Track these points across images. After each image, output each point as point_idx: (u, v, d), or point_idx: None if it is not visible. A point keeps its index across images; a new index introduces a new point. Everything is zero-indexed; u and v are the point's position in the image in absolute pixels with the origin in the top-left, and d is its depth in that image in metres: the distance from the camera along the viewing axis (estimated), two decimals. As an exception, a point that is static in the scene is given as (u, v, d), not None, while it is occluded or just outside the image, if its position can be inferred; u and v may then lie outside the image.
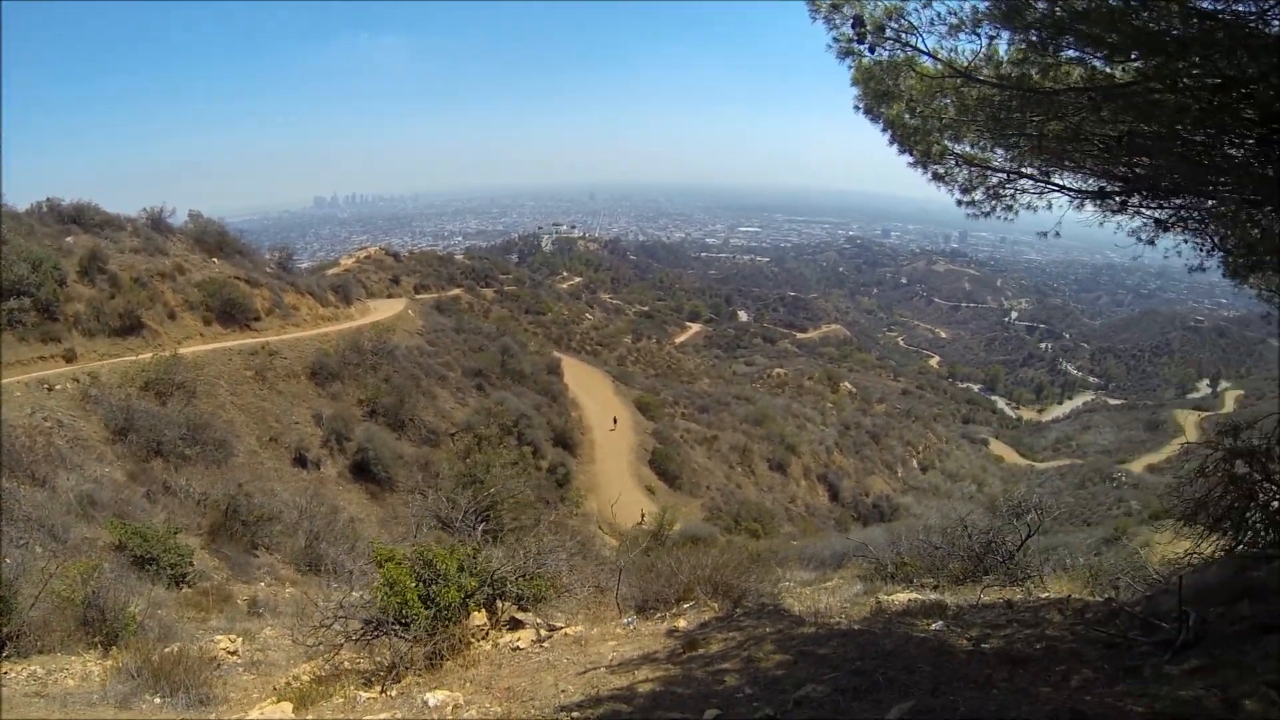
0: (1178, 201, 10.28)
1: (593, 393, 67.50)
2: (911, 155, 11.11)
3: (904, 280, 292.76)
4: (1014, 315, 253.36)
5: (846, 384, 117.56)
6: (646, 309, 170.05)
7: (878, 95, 10.43)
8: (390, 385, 43.43)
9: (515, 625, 10.66)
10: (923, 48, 9.36)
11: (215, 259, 43.73)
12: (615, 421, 62.48)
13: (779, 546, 33.74)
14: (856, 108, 10.75)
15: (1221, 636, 7.31)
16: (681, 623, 10.24)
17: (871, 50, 9.61)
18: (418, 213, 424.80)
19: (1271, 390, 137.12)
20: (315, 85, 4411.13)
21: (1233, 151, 9.19)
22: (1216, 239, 10.51)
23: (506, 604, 10.91)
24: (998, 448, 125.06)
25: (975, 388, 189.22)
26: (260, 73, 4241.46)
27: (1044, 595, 13.14)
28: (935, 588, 14.66)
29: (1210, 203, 10.11)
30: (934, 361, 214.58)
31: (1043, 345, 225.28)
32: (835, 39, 9.59)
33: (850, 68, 10.08)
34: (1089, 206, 10.81)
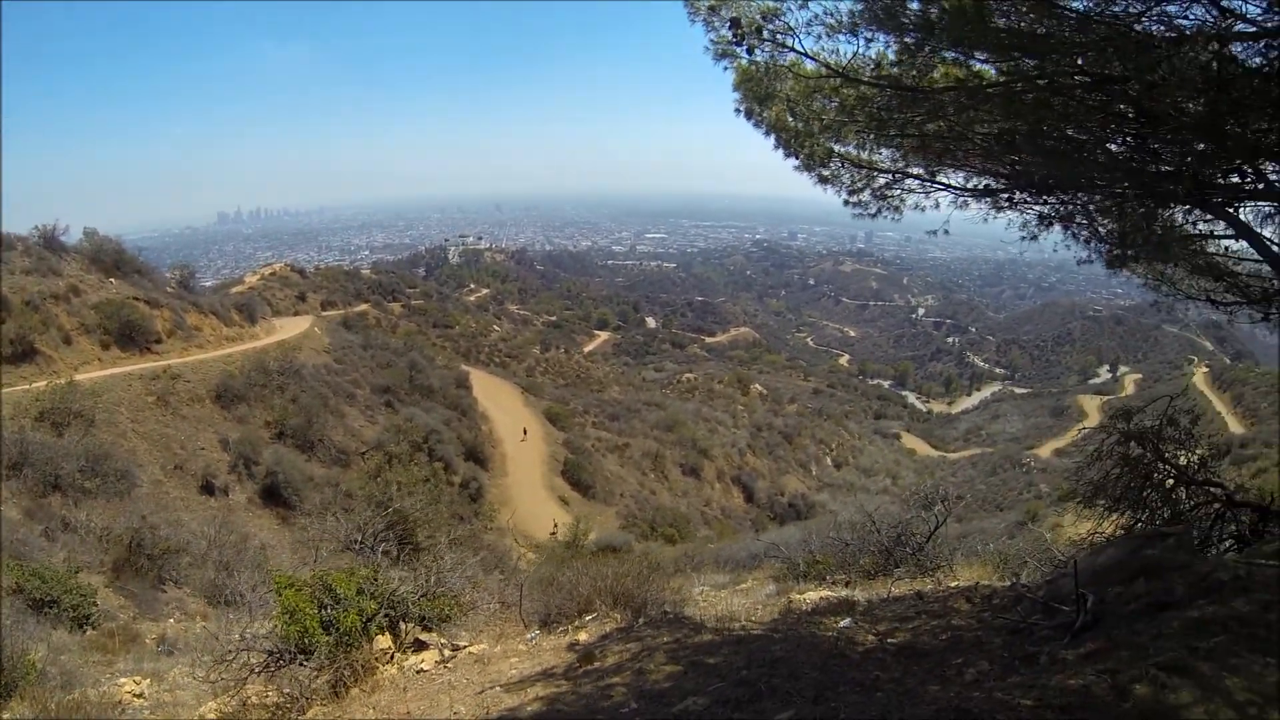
0: (1063, 197, 10.45)
1: (502, 405, 66.81)
2: (796, 158, 11.15)
3: (811, 281, 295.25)
4: (921, 312, 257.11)
5: (757, 386, 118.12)
6: (554, 319, 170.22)
7: (757, 98, 10.47)
8: (298, 405, 42.47)
9: (420, 646, 10.45)
10: (800, 49, 9.38)
11: (113, 279, 42.23)
12: (525, 433, 61.94)
13: (695, 550, 33.86)
14: (738, 111, 10.79)
15: (1119, 616, 7.42)
16: (583, 635, 10.16)
17: (749, 52, 9.62)
18: (324, 227, 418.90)
19: (1167, 372, 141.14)
20: (219, 95, 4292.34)
21: (1113, 147, 9.41)
22: (1098, 232, 10.74)
23: (410, 625, 10.70)
24: (910, 441, 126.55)
25: (885, 384, 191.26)
26: (160, 81, 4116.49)
27: (954, 584, 13.26)
28: (847, 584, 14.80)
29: (1086, 197, 10.29)
30: (844, 360, 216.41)
31: (950, 340, 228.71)
32: (713, 41, 9.62)
33: (726, 70, 10.11)
34: (973, 204, 10.99)
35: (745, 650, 7.97)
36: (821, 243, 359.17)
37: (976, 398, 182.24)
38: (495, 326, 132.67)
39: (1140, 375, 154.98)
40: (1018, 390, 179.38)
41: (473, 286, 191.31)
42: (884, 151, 11.14)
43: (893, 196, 11.48)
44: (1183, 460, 11.58)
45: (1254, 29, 7.56)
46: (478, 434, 56.69)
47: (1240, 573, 7.27)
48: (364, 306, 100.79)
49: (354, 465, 41.88)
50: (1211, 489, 11.77)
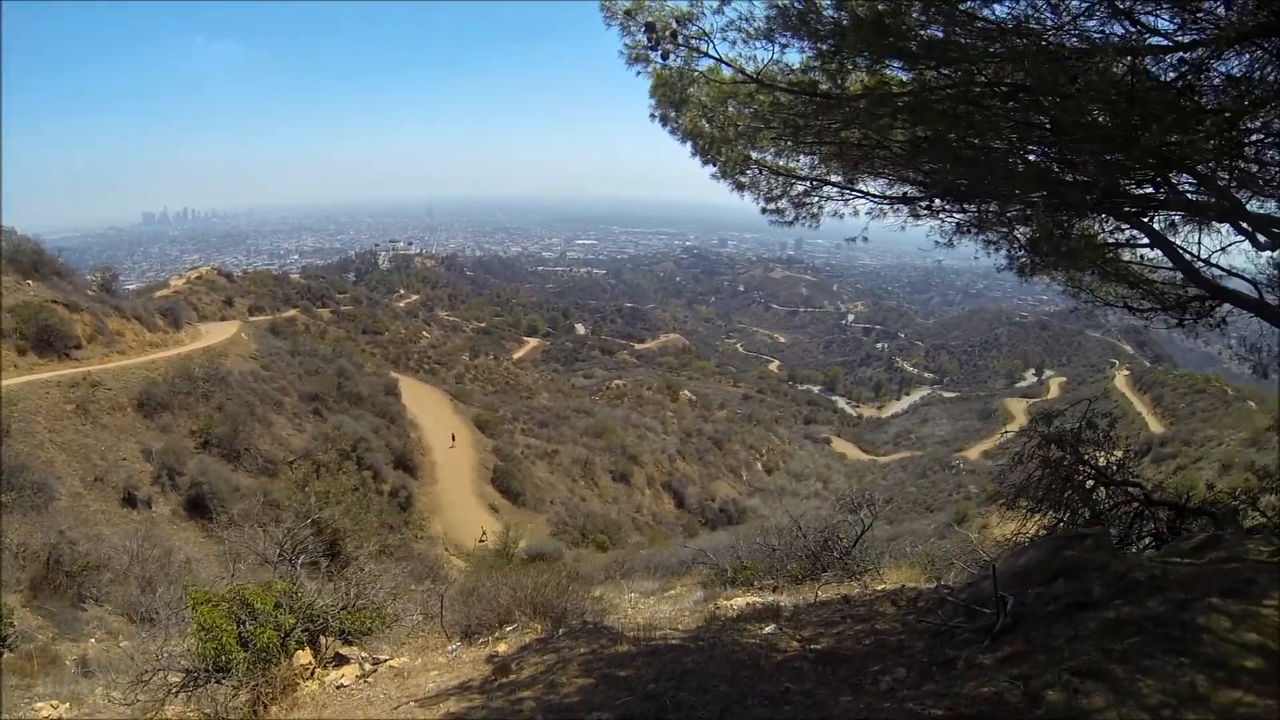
0: (980, 205, 10.54)
1: (431, 412, 66.39)
2: (714, 165, 11.09)
3: (741, 288, 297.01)
4: (850, 318, 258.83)
5: (686, 392, 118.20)
6: (484, 325, 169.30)
7: (672, 103, 10.42)
8: (224, 414, 41.50)
9: (341, 661, 10.32)
10: (715, 54, 9.36)
11: (30, 281, 40.67)
12: (454, 439, 61.60)
13: (626, 557, 33.78)
14: (653, 116, 10.71)
15: (1038, 617, 7.48)
16: (502, 647, 10.10)
17: (664, 58, 9.58)
18: (253, 230, 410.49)
19: (1090, 375, 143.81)
20: (146, 91, 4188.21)
21: (1032, 157, 9.49)
22: (1015, 240, 10.84)
23: (331, 640, 10.55)
24: (840, 445, 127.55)
25: (815, 389, 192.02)
26: (84, 76, 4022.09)
27: (880, 587, 13.36)
28: (775, 589, 14.93)
29: (1002, 205, 10.33)
30: (774, 366, 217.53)
31: (879, 345, 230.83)
32: (627, 45, 9.57)
33: (639, 75, 10.01)
34: (891, 212, 11.04)
35: (658, 662, 7.91)
36: (752, 250, 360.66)
37: (906, 402, 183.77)
38: (425, 333, 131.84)
39: (1064, 378, 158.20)
40: (946, 394, 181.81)
41: (403, 292, 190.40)
42: (802, 159, 11.12)
43: (811, 204, 11.45)
44: (1102, 461, 11.75)
45: (1167, 43, 7.65)
46: (407, 442, 56.15)
47: (1156, 572, 7.40)
48: (292, 312, 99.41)
49: (282, 475, 41.04)
50: (1130, 489, 11.97)
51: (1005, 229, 10.68)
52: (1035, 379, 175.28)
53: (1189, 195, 9.36)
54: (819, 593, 13.43)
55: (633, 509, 66.48)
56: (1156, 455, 65.58)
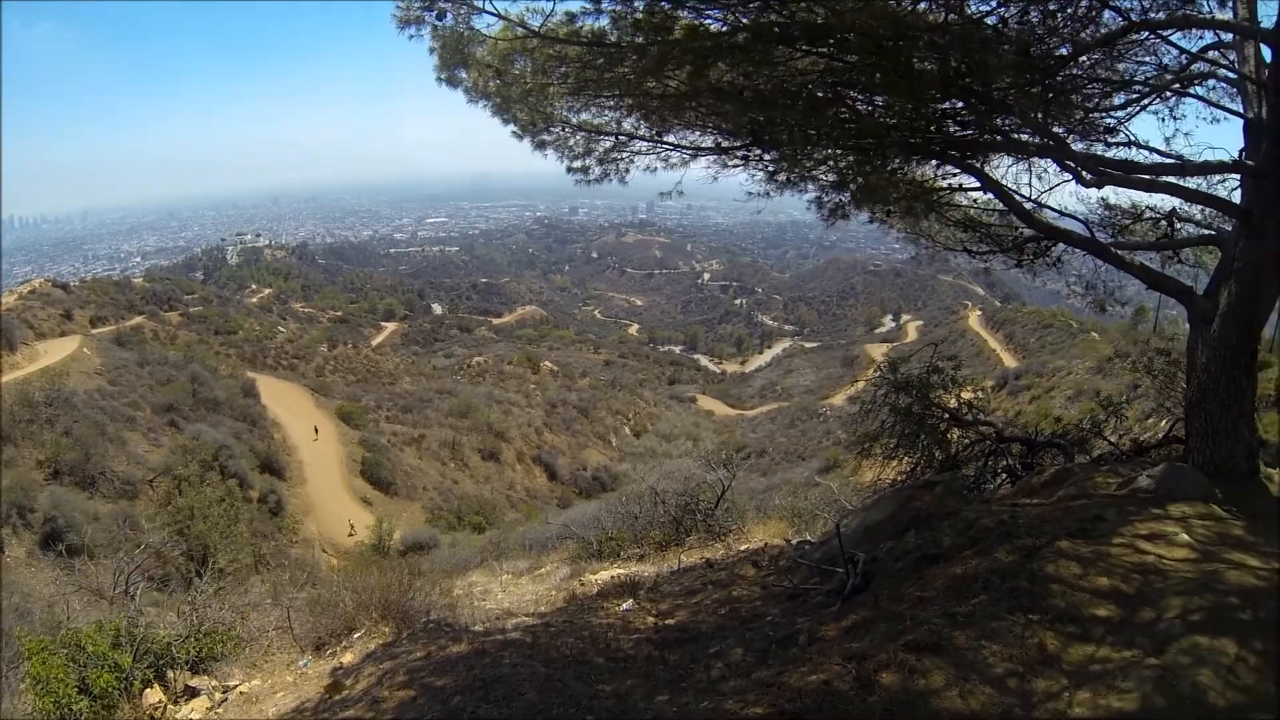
0: (796, 152, 10.22)
1: (294, 410, 64.66)
2: (515, 125, 10.77)
3: (595, 255, 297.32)
4: (707, 277, 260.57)
5: (547, 363, 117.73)
6: (340, 314, 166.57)
7: (455, 63, 9.99)
8: (72, 438, 39.08)
9: (192, 693, 9.85)
10: (494, 10, 8.87)
11: None
12: (317, 431, 60.55)
13: (501, 537, 33.62)
14: (439, 80, 10.23)
15: (889, 574, 7.63)
16: (348, 657, 9.77)
17: (440, 17, 9.13)
18: (88, 234, 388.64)
19: (944, 318, 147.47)
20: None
21: (862, 106, 9.47)
22: (826, 186, 10.79)
23: (179, 672, 10.04)
24: (706, 403, 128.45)
25: (677, 349, 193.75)
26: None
27: (743, 548, 13.67)
28: (641, 558, 15.11)
29: (816, 151, 10.18)
30: (633, 329, 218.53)
31: (737, 301, 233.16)
32: (400, 7, 8.98)
33: (412, 39, 9.32)
34: (704, 162, 10.85)
35: (479, 665, 7.64)
36: (603, 216, 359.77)
37: (768, 355, 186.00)
38: (280, 328, 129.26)
39: (921, 322, 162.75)
40: (808, 345, 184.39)
41: (254, 287, 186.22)
42: (607, 114, 10.77)
43: (620, 160, 11.17)
44: (953, 403, 12.06)
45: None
46: (271, 444, 54.67)
47: (1005, 517, 7.54)
48: (138, 319, 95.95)
49: (143, 495, 39.28)
50: (982, 428, 12.31)
51: (819, 177, 10.66)
52: (893, 324, 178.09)
53: (1014, 136, 9.56)
54: (683, 558, 13.69)
55: (505, 486, 66.36)
56: (1013, 388, 69.49)
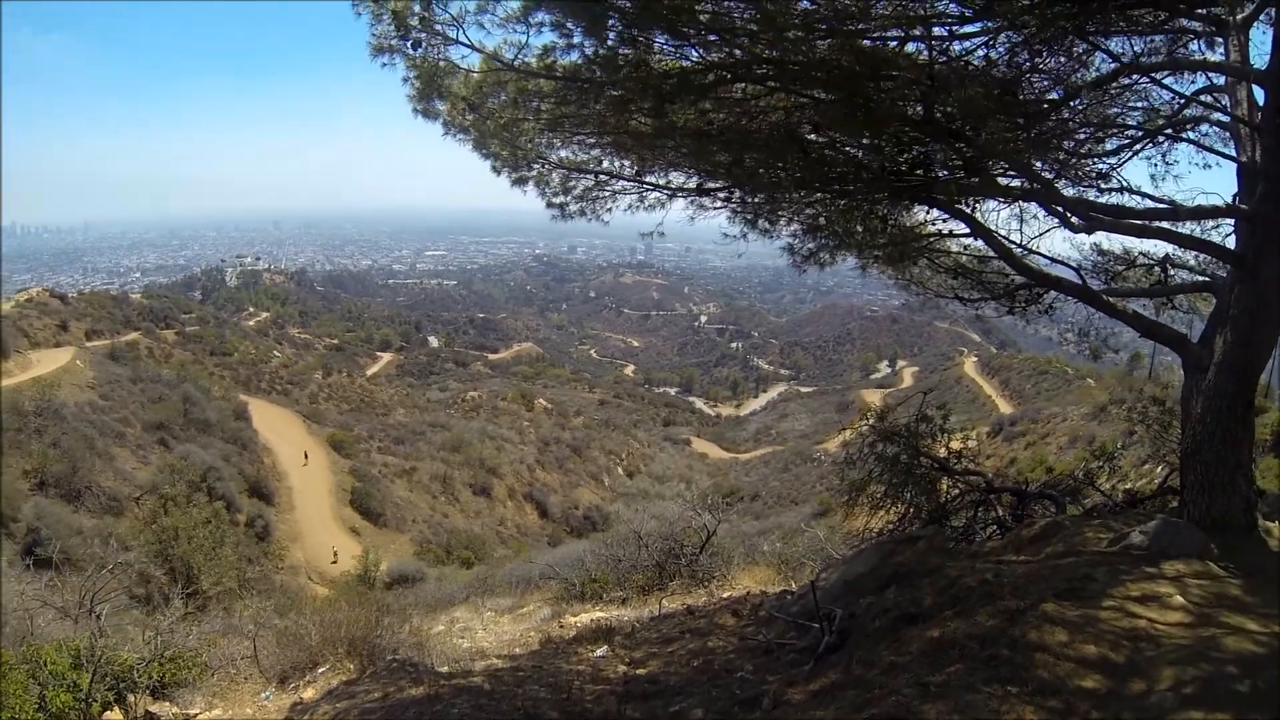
0: (775, 196, 10.24)
1: (285, 435, 64.27)
2: (493, 160, 10.55)
3: (593, 294, 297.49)
4: (703, 319, 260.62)
5: (541, 400, 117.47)
6: (336, 341, 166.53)
7: (431, 94, 9.69)
8: (60, 450, 38.91)
9: (152, 719, 9.61)
10: (468, 40, 8.74)
11: None
12: (306, 456, 60.34)
13: (488, 573, 33.40)
14: (415, 111, 9.95)
15: (865, 633, 7.33)
16: (309, 693, 9.61)
17: (415, 47, 8.93)
18: (89, 246, 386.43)
19: (940, 364, 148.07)
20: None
21: (852, 150, 9.33)
22: (811, 230, 10.73)
23: (141, 696, 9.73)
24: (701, 445, 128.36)
25: (672, 391, 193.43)
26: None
27: (726, 595, 13.49)
28: (624, 601, 15.03)
29: (798, 195, 10.09)
30: (629, 370, 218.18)
31: (734, 345, 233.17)
32: (375, 35, 8.80)
33: (385, 67, 9.10)
34: (681, 203, 10.66)
35: (429, 713, 7.49)
36: (602, 256, 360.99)
37: (764, 399, 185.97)
38: (276, 352, 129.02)
39: (917, 368, 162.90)
40: (803, 389, 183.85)
41: (252, 310, 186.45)
42: (587, 151, 10.61)
43: (602, 198, 10.99)
44: (941, 453, 11.91)
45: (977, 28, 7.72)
46: (261, 468, 54.26)
47: (989, 576, 7.26)
48: (134, 335, 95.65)
49: (128, 512, 38.91)
50: (971, 478, 12.13)
51: (794, 220, 10.62)
52: (889, 370, 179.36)
53: (1000, 181, 9.39)
54: (665, 604, 13.50)
55: (496, 522, 66.05)
56: (1008, 434, 69.57)
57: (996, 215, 10.30)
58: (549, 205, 10.99)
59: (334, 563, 45.01)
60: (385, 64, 9.06)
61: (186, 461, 45.67)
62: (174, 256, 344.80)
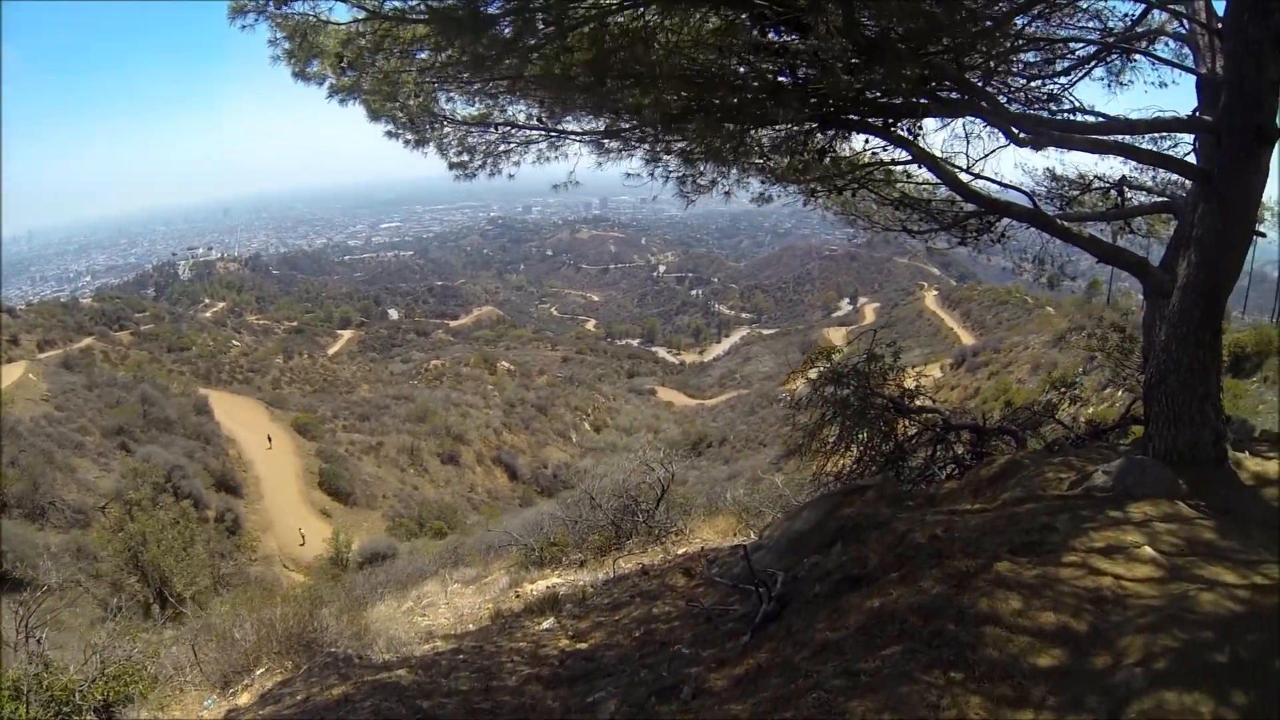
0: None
1: (249, 424, 63.53)
2: (390, 123, 9.61)
3: (550, 252, 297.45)
4: (662, 269, 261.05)
5: (504, 363, 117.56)
6: (296, 324, 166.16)
7: (308, 55, 8.74)
8: (19, 469, 37.76)
9: None
10: None
11: None
12: (270, 440, 59.94)
13: (457, 542, 33.31)
14: (295, 75, 8.98)
15: (805, 600, 6.94)
16: (245, 698, 9.25)
17: (280, 4, 7.96)
18: (35, 255, 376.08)
19: (902, 299, 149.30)
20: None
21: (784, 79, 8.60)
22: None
23: (85, 717, 9.19)
24: (666, 394, 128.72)
25: (634, 342, 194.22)
26: None
27: (682, 551, 13.48)
28: (582, 563, 14.94)
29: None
30: (590, 325, 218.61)
31: (694, 292, 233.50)
32: None
33: (244, 29, 8.00)
34: (588, 151, 9.90)
35: (336, 716, 7.33)
36: (557, 213, 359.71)
37: (726, 344, 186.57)
38: (235, 341, 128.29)
39: (878, 304, 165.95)
40: (765, 331, 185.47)
41: (208, 301, 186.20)
42: (483, 101, 9.57)
43: (509, 152, 10.08)
44: (895, 391, 11.66)
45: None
46: (226, 461, 53.68)
47: (938, 531, 6.74)
48: (88, 341, 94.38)
49: (95, 523, 37.52)
50: (928, 415, 11.87)
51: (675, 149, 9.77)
52: (850, 307, 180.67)
53: (940, 95, 8.62)
54: (621, 564, 13.52)
55: (466, 489, 66.38)
56: (971, 365, 70.82)
57: (939, 139, 9.84)
58: (451, 166, 10.25)
59: (302, 545, 44.98)
60: (245, 26, 8.10)
61: (149, 464, 44.90)
62: (124, 256, 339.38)
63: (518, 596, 13.16)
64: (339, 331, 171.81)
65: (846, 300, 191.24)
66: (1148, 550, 5.66)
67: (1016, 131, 8.47)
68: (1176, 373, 7.71)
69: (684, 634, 7.91)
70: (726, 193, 10.47)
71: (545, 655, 8.53)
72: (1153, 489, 6.90)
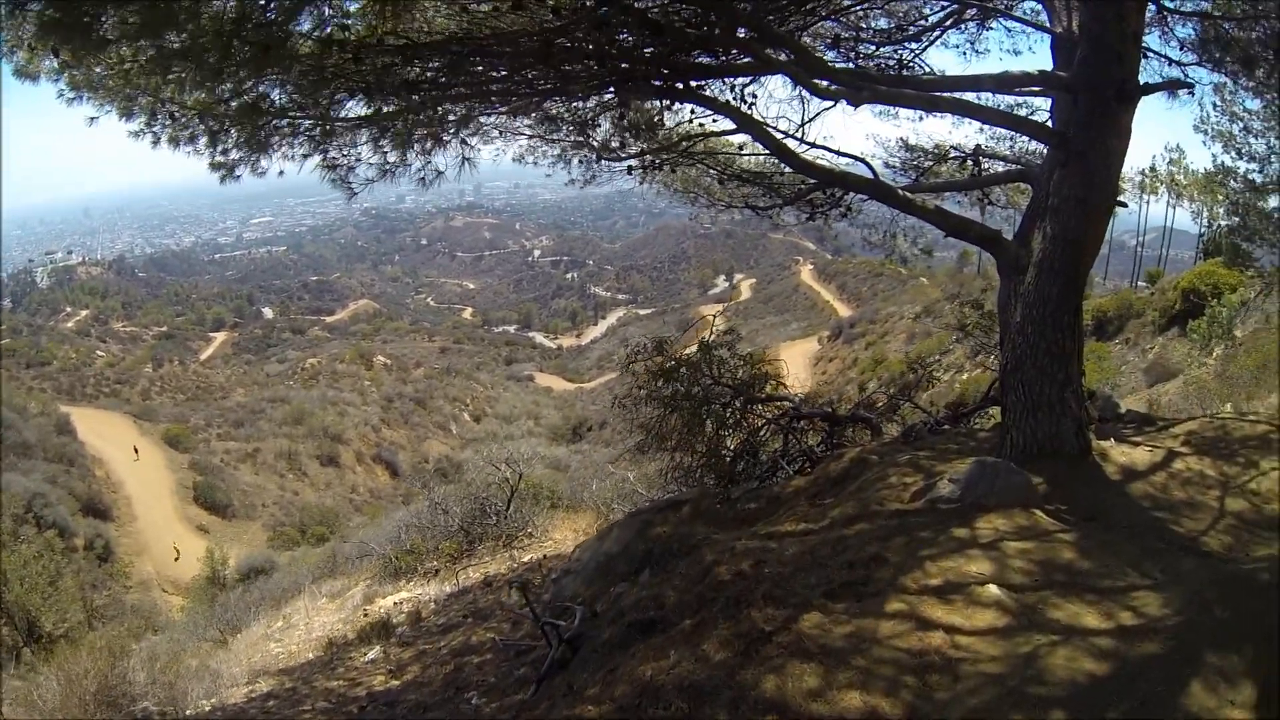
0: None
1: (116, 442, 61.07)
2: (141, 118, 8.02)
3: (425, 241, 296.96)
4: (537, 254, 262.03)
5: (380, 357, 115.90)
6: (166, 329, 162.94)
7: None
8: None
9: None
10: None
11: None
12: (136, 451, 58.15)
13: (335, 550, 32.64)
14: (17, 74, 7.34)
15: (594, 648, 5.99)
16: None
17: None
18: None
19: (777, 274, 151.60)
20: None
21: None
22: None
23: None
24: (545, 379, 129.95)
25: (511, 329, 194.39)
26: None
27: (527, 558, 13.42)
28: (436, 573, 14.68)
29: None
30: (467, 313, 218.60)
31: (569, 275, 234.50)
32: None
33: None
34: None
35: None
36: (431, 202, 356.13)
37: (603, 325, 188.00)
38: (100, 352, 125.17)
39: (754, 280, 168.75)
40: (642, 312, 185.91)
41: (69, 310, 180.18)
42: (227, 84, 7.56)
43: (271, 142, 8.44)
44: (736, 379, 11.41)
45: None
46: (93, 483, 51.23)
47: (746, 565, 5.73)
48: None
49: None
50: (779, 403, 11.54)
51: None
52: (726, 284, 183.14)
53: (760, 56, 7.80)
54: (471, 573, 13.49)
55: (348, 490, 65.73)
56: (848, 336, 71.84)
57: (765, 106, 9.46)
58: (212, 167, 8.72)
59: (176, 560, 43.51)
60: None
61: (8, 493, 42.92)
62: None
63: (365, 616, 13.01)
64: (211, 334, 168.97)
65: (722, 277, 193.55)
66: (991, 590, 4.62)
67: (826, 85, 7.79)
68: (1033, 358, 7.11)
69: (488, 675, 7.53)
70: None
71: (353, 697, 8.25)
72: (1006, 497, 6.02)
